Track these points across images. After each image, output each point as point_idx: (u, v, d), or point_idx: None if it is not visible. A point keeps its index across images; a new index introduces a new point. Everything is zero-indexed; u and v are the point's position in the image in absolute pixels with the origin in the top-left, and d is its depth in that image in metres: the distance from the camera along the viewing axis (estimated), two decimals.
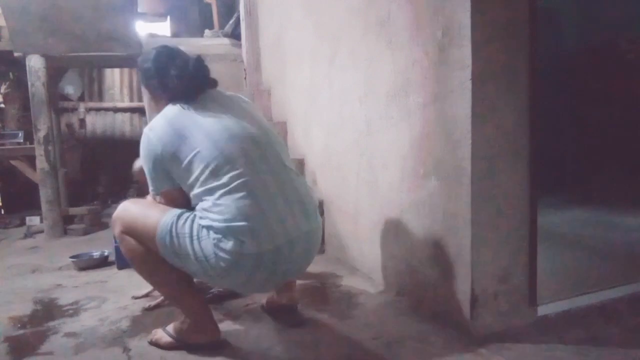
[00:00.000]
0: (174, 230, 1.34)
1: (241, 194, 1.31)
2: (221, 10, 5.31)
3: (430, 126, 1.60)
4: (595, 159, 3.79)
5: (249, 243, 1.30)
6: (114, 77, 5.65)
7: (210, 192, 1.33)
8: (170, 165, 1.38)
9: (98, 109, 5.54)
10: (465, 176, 1.45)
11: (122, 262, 2.48)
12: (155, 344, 1.52)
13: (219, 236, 1.30)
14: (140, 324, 1.73)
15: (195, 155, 1.34)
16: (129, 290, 2.11)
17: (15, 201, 4.54)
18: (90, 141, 5.47)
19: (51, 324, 1.77)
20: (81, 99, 5.45)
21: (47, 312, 1.91)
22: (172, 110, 1.44)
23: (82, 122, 5.41)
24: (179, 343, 1.48)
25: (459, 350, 1.42)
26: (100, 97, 5.61)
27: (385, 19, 1.82)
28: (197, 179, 1.34)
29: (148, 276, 1.48)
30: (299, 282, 2.10)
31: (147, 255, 1.42)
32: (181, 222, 1.35)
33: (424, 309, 1.71)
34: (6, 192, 4.62)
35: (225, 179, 1.32)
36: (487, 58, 1.41)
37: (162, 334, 1.52)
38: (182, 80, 1.44)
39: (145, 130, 1.44)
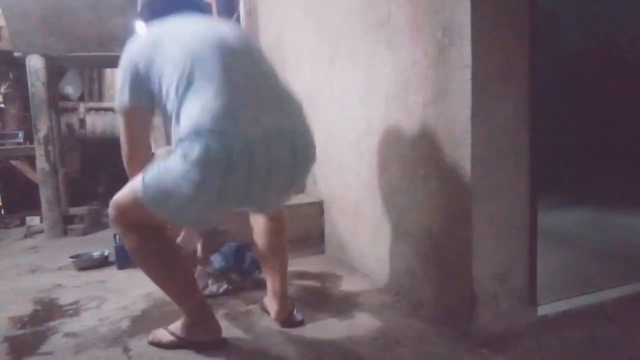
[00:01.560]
0: (147, 177, 1.29)
1: (209, 95, 1.24)
2: (221, 10, 5.30)
3: (430, 126, 1.60)
4: (595, 159, 3.79)
5: (215, 143, 1.20)
6: (114, 77, 5.65)
7: (182, 100, 1.27)
8: (145, 78, 1.34)
9: (98, 109, 5.54)
10: (465, 176, 1.45)
11: (122, 262, 2.49)
12: (156, 343, 1.52)
13: (186, 146, 1.21)
14: (140, 324, 1.73)
15: (167, 62, 1.30)
16: (129, 290, 2.11)
17: (15, 201, 4.54)
18: (90, 141, 5.47)
19: (51, 324, 1.77)
20: (81, 99, 5.45)
21: (47, 312, 1.91)
22: (151, 26, 1.45)
23: (82, 122, 5.41)
24: (181, 342, 1.48)
25: (459, 351, 1.42)
26: (100, 97, 5.61)
27: (385, 19, 1.82)
28: (169, 87, 1.29)
29: (150, 272, 1.45)
30: (299, 282, 2.11)
31: (149, 251, 1.40)
32: (150, 169, 1.30)
33: (424, 309, 1.71)
34: (6, 192, 4.62)
35: (195, 83, 1.26)
36: (487, 58, 1.41)
37: (163, 333, 1.52)
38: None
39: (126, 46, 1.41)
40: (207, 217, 1.40)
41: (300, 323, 1.65)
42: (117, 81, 1.39)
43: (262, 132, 1.26)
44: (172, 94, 1.29)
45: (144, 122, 1.41)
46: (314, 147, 1.45)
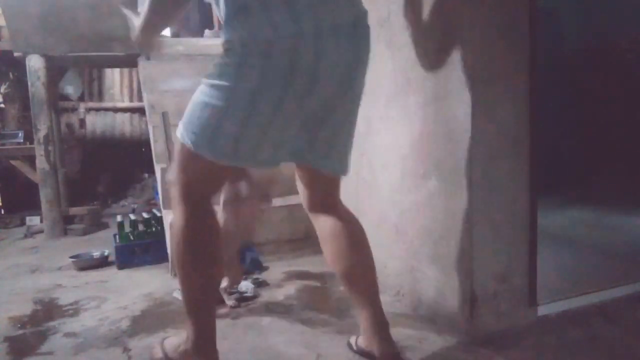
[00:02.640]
0: (185, 117, 1.17)
1: None
2: None
3: (430, 126, 1.60)
4: (595, 159, 3.79)
5: (254, 30, 1.07)
6: (114, 77, 5.65)
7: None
8: None
9: (98, 109, 5.54)
10: (465, 176, 1.45)
11: (122, 262, 2.49)
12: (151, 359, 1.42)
13: (227, 44, 1.10)
14: (140, 324, 1.73)
15: None
16: (129, 290, 2.12)
17: (15, 201, 4.54)
18: (90, 141, 5.48)
19: (51, 324, 1.77)
20: (81, 99, 5.45)
21: (47, 312, 1.91)
22: None
23: (82, 122, 5.41)
24: None
25: (459, 350, 1.42)
26: (100, 97, 5.61)
27: (385, 19, 1.82)
28: None
29: (181, 267, 1.25)
30: (299, 282, 2.11)
31: (189, 245, 1.22)
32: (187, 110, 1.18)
33: (423, 308, 1.71)
34: (6, 192, 4.62)
35: None
36: (487, 58, 1.41)
37: (157, 349, 1.40)
38: None
39: None
40: (262, 147, 1.18)
41: None
42: None
43: (314, 26, 1.09)
44: None
45: None
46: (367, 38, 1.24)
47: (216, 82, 1.12)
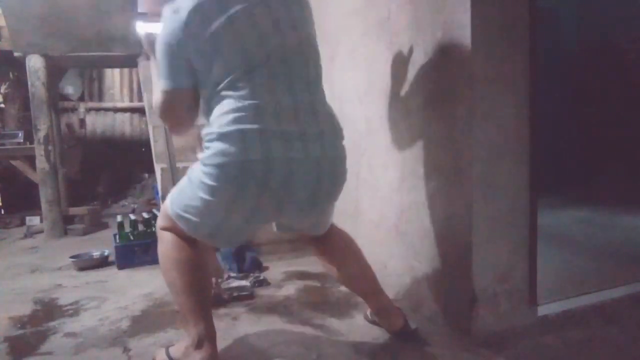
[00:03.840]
0: (174, 195, 1.35)
1: (246, 103, 1.20)
2: None
3: (430, 126, 1.60)
4: (595, 159, 3.79)
5: (234, 150, 1.18)
6: (114, 77, 5.66)
7: (221, 99, 1.23)
8: (192, 55, 1.23)
9: (98, 109, 5.55)
10: (465, 176, 1.45)
11: (122, 262, 2.49)
12: None
13: (209, 151, 1.21)
14: (140, 324, 1.73)
15: (218, 58, 1.22)
16: (129, 290, 2.12)
17: (15, 201, 4.54)
18: (90, 141, 5.48)
19: (51, 324, 1.77)
20: (81, 99, 5.45)
21: (47, 312, 1.91)
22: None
23: (82, 122, 5.41)
24: None
25: (459, 350, 1.42)
26: (100, 97, 5.61)
27: (385, 19, 1.82)
28: (214, 82, 1.24)
29: (171, 281, 1.37)
30: (299, 282, 2.11)
31: (176, 261, 1.35)
32: (177, 187, 1.36)
33: (423, 308, 1.71)
34: (6, 192, 4.62)
35: (238, 88, 1.22)
36: (487, 58, 1.41)
37: (161, 356, 1.42)
38: None
39: (167, 12, 1.24)
40: (238, 236, 1.39)
41: (415, 332, 1.52)
42: (159, 55, 1.26)
43: (285, 156, 1.22)
44: (211, 87, 1.25)
45: (193, 100, 1.31)
46: (342, 175, 1.44)
47: (207, 173, 1.23)
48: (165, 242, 1.37)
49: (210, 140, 1.22)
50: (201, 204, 1.25)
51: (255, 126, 1.19)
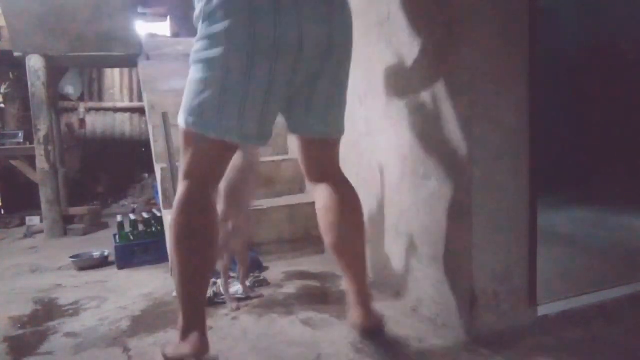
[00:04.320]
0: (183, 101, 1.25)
1: None
2: None
3: (430, 126, 1.60)
4: (595, 159, 3.78)
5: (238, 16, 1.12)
6: (114, 77, 5.66)
7: None
8: None
9: (98, 109, 5.54)
10: (465, 176, 1.45)
11: (122, 262, 2.49)
12: None
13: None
14: (140, 324, 1.73)
15: None
16: (129, 290, 2.12)
17: (15, 201, 4.55)
18: (90, 141, 5.48)
19: (51, 324, 1.77)
20: (81, 99, 5.45)
21: (47, 312, 1.91)
22: None
23: (82, 122, 5.41)
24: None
25: (459, 350, 1.42)
26: (100, 97, 5.61)
27: (385, 19, 1.82)
28: None
29: (176, 247, 1.27)
30: (299, 282, 2.11)
31: (186, 225, 1.25)
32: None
33: (423, 309, 1.71)
34: (6, 192, 4.62)
35: None
36: (487, 58, 1.41)
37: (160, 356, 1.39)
38: None
39: None
40: (245, 119, 1.22)
41: (382, 334, 1.45)
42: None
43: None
44: None
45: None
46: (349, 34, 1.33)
47: (196, 56, 1.19)
48: (179, 201, 1.24)
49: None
50: (202, 69, 1.18)
51: None
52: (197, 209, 1.26)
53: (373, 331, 1.45)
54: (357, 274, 1.46)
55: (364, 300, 1.46)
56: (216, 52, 1.16)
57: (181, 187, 1.27)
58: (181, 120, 1.24)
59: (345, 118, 1.47)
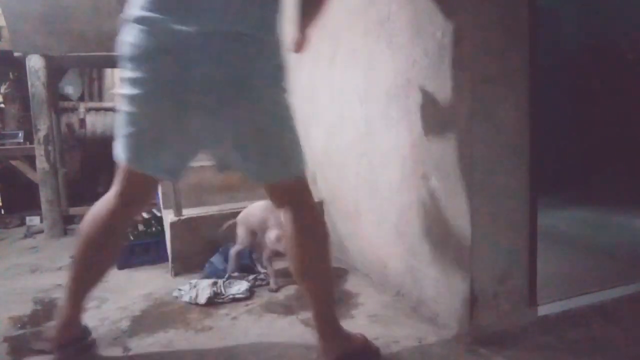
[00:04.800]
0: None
1: None
2: None
3: (430, 126, 1.60)
4: (595, 159, 3.78)
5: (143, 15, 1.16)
6: (114, 77, 5.65)
7: None
8: None
9: (98, 109, 5.53)
10: (465, 176, 1.45)
11: (122, 262, 2.48)
12: None
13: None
14: (140, 324, 1.73)
15: None
16: (129, 290, 2.11)
17: (15, 201, 4.54)
18: (90, 141, 5.47)
19: (51, 324, 1.76)
20: (81, 99, 5.44)
21: (47, 312, 1.90)
22: None
23: (82, 122, 5.40)
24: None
25: (459, 351, 1.42)
26: (100, 97, 5.60)
27: (385, 19, 1.82)
28: None
29: (78, 248, 1.41)
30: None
31: (93, 221, 1.39)
32: None
33: (423, 309, 1.71)
34: (6, 192, 4.62)
35: None
36: (487, 58, 1.41)
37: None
38: None
39: None
40: (159, 155, 1.29)
41: None
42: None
43: (198, 27, 1.14)
44: None
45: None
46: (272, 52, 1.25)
47: (120, 92, 1.26)
48: (96, 211, 1.40)
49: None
50: (122, 104, 1.26)
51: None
52: (100, 225, 1.38)
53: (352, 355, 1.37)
54: (318, 299, 1.39)
55: (329, 329, 1.38)
56: (134, 92, 1.22)
57: (106, 201, 1.40)
58: (114, 147, 1.37)
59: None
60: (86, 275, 1.44)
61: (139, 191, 1.39)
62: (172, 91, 1.18)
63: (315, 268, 1.37)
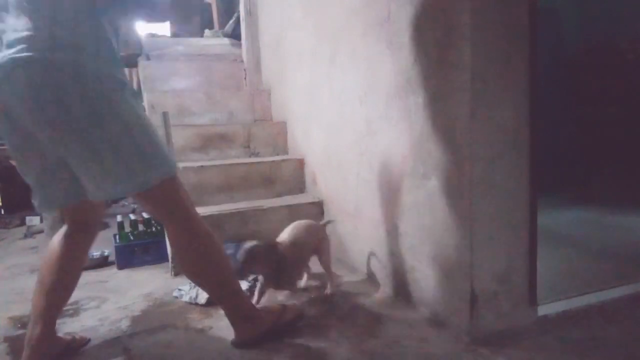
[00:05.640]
0: None
1: None
2: (221, 10, 5.30)
3: (430, 126, 1.60)
4: (595, 159, 3.79)
5: None
6: None
7: None
8: None
9: None
10: (465, 176, 1.45)
11: (122, 262, 2.49)
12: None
13: None
14: (140, 324, 1.73)
15: None
16: (129, 290, 2.11)
17: (15, 201, 4.54)
18: None
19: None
20: None
21: None
22: None
23: None
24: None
25: (459, 350, 1.42)
26: None
27: (385, 19, 1.82)
28: None
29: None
30: (298, 282, 2.10)
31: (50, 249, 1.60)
32: None
33: (423, 309, 1.71)
34: (6, 192, 4.62)
35: None
36: (487, 58, 1.41)
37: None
38: None
39: None
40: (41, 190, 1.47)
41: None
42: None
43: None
44: None
45: None
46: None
47: None
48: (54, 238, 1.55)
49: None
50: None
51: None
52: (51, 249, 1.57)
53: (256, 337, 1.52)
54: (212, 294, 1.58)
55: (236, 315, 1.53)
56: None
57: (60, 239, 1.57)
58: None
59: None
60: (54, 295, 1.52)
61: (83, 218, 1.52)
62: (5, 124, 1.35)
63: (198, 269, 1.48)
